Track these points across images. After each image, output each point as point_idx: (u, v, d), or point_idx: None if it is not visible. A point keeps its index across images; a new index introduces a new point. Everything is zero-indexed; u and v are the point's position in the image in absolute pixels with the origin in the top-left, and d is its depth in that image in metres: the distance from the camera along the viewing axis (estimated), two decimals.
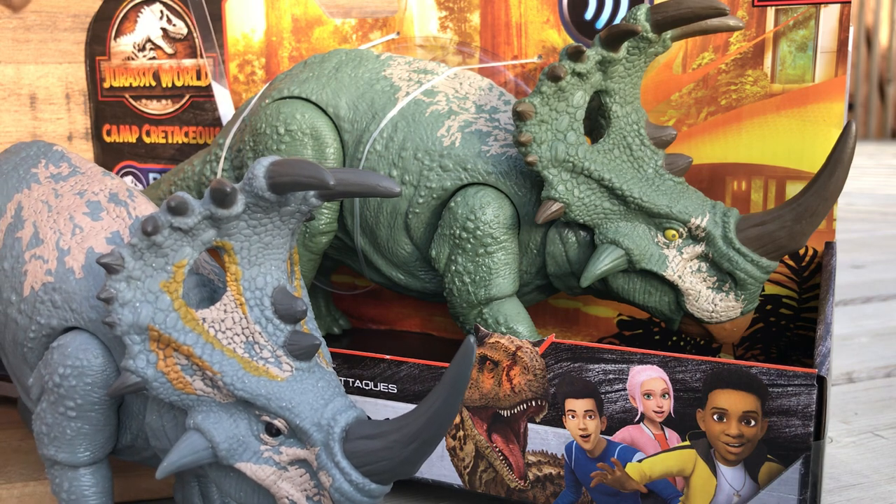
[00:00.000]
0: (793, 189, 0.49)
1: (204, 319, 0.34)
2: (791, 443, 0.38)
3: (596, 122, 0.46)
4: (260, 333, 0.34)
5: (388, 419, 0.33)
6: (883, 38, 3.37)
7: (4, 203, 0.42)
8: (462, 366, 0.31)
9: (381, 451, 0.32)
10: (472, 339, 0.30)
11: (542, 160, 0.43)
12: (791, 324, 0.51)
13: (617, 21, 0.51)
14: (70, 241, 0.39)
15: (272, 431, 0.34)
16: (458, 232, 0.46)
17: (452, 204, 0.46)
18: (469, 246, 0.46)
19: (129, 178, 0.67)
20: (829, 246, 0.49)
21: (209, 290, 0.38)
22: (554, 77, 0.42)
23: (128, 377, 0.34)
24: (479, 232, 0.45)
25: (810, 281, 0.50)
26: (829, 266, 0.47)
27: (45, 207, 0.41)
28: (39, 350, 0.39)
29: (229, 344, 0.34)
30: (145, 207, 0.41)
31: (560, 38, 0.52)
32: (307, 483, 0.34)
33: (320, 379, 0.35)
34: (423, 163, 0.47)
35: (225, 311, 0.34)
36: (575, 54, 0.42)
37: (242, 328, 0.34)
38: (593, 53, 0.42)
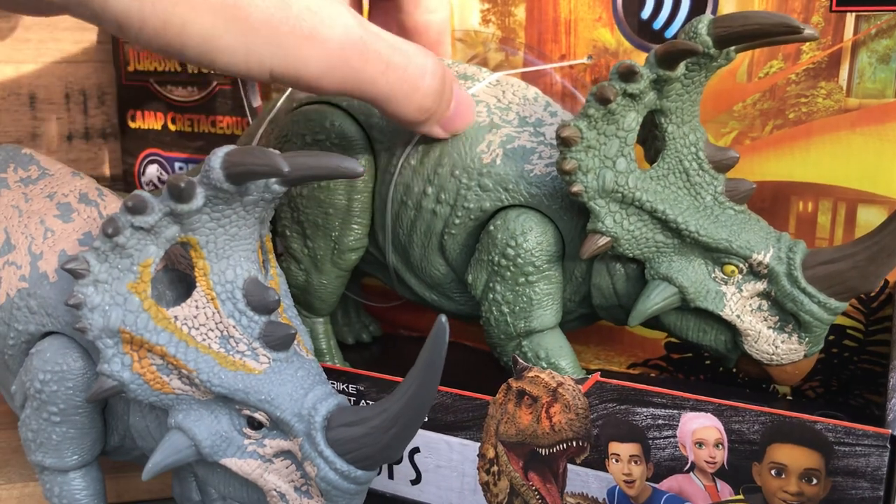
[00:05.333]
0: (865, 213, 0.46)
1: (176, 317, 0.34)
2: None
3: (650, 134, 0.42)
4: (234, 327, 0.34)
5: (368, 405, 0.34)
6: None
7: None
8: (436, 346, 0.31)
9: (363, 438, 0.32)
10: (443, 318, 0.31)
11: (589, 190, 0.40)
12: (855, 356, 0.48)
13: (677, 23, 0.47)
14: (42, 245, 0.39)
15: (254, 425, 0.34)
16: (496, 258, 0.42)
17: (492, 227, 0.43)
18: (509, 274, 0.42)
19: (154, 167, 0.64)
20: None
21: (186, 286, 0.37)
22: (603, 99, 0.38)
23: (104, 381, 0.34)
24: (519, 260, 0.42)
25: (879, 313, 0.47)
26: None
27: (15, 212, 0.41)
28: (20, 357, 0.39)
29: (203, 340, 0.34)
30: (116, 206, 0.41)
31: (613, 38, 0.48)
32: (294, 474, 0.34)
33: (299, 368, 0.34)
34: (460, 181, 0.43)
35: (197, 307, 0.34)
36: (626, 74, 0.38)
37: (216, 323, 0.34)
38: (647, 73, 0.38)
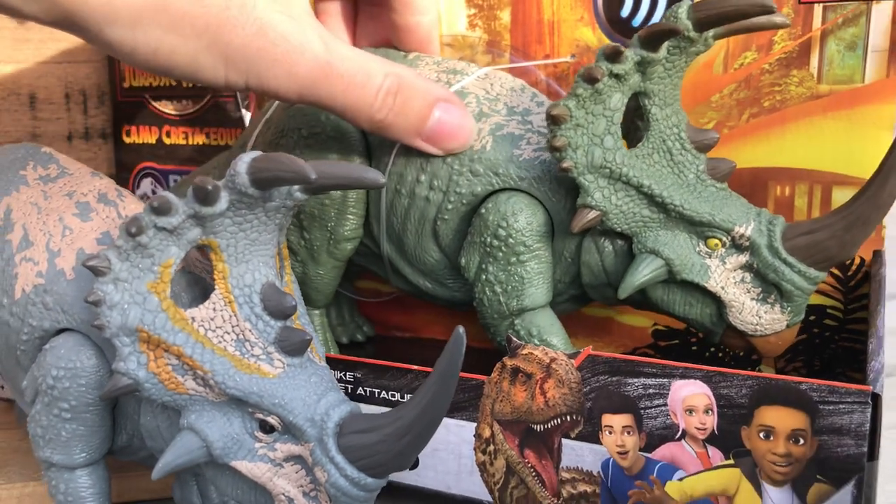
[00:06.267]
0: (839, 195, 0.47)
1: (193, 319, 0.34)
2: (843, 463, 0.37)
3: (632, 124, 0.44)
4: (250, 330, 0.34)
5: (381, 413, 0.33)
6: None
7: None
8: (453, 357, 0.31)
9: (376, 445, 0.32)
10: (461, 329, 0.31)
11: (578, 166, 0.41)
12: (836, 335, 0.49)
13: (655, 19, 0.49)
14: (60, 243, 0.39)
15: (266, 428, 0.34)
16: (489, 240, 0.44)
17: (483, 210, 0.44)
18: (500, 254, 0.44)
19: (148, 180, 0.66)
20: (878, 255, 0.47)
21: (202, 289, 0.37)
22: (590, 79, 0.40)
23: (119, 379, 0.34)
24: (511, 240, 0.43)
25: (857, 291, 0.48)
26: (879, 276, 0.45)
27: (34, 209, 0.41)
28: (32, 352, 0.39)
29: (220, 342, 0.34)
30: (135, 207, 0.41)
31: (595, 37, 0.51)
32: (303, 479, 0.34)
33: (313, 374, 0.34)
34: (452, 167, 0.45)
35: (214, 309, 0.34)
36: (612, 55, 0.40)
37: (232, 326, 0.34)
38: (631, 54, 0.40)
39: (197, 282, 0.38)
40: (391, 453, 0.32)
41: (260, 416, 0.34)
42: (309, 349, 0.35)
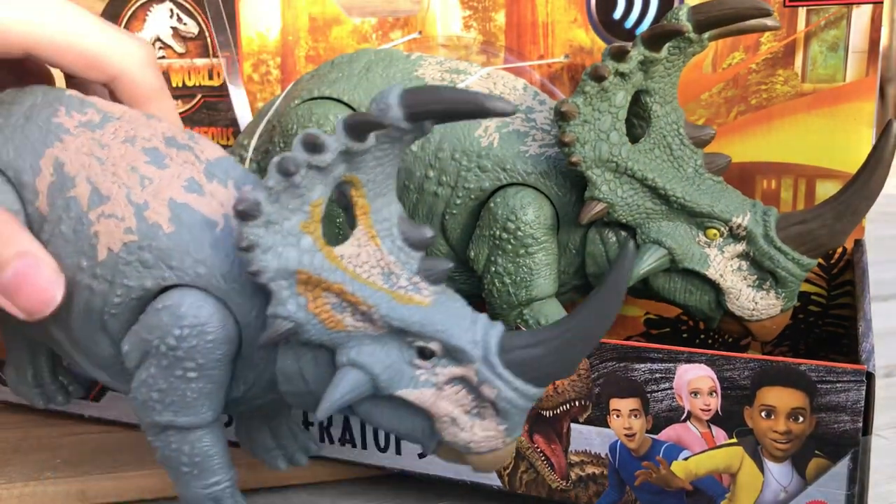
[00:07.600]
0: (823, 187, 0.50)
1: (342, 256, 0.34)
2: (840, 438, 0.39)
3: (629, 122, 0.46)
4: (395, 263, 0.34)
5: (542, 327, 0.34)
6: (883, 37, 3.46)
7: (35, 160, 0.38)
8: (623, 267, 0.32)
9: (544, 358, 0.33)
10: (631, 244, 0.32)
11: (586, 160, 0.43)
12: (820, 321, 0.52)
13: (646, 21, 0.51)
14: (142, 195, 0.37)
15: (426, 354, 0.34)
16: (498, 233, 0.45)
17: (492, 205, 0.46)
18: (510, 247, 0.45)
19: None
20: (859, 244, 0.50)
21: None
22: (597, 77, 0.42)
23: (280, 324, 0.33)
24: (519, 233, 0.45)
25: (839, 278, 0.51)
26: (862, 263, 0.48)
27: (94, 161, 0.38)
28: (127, 315, 0.37)
29: (369, 277, 0.34)
30: (212, 150, 0.39)
31: (588, 38, 0.52)
32: (465, 398, 0.34)
33: (457, 300, 0.35)
34: (460, 163, 0.46)
35: (359, 245, 0.34)
36: (618, 54, 0.42)
37: (377, 260, 0.34)
38: (636, 53, 0.42)
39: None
40: (559, 364, 0.33)
41: (420, 343, 0.34)
42: None
